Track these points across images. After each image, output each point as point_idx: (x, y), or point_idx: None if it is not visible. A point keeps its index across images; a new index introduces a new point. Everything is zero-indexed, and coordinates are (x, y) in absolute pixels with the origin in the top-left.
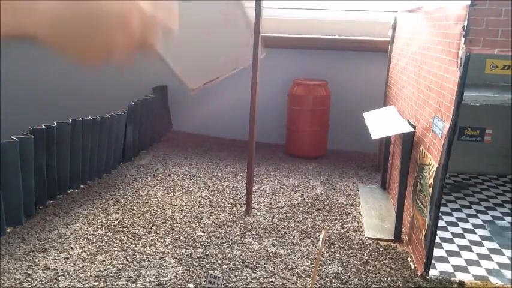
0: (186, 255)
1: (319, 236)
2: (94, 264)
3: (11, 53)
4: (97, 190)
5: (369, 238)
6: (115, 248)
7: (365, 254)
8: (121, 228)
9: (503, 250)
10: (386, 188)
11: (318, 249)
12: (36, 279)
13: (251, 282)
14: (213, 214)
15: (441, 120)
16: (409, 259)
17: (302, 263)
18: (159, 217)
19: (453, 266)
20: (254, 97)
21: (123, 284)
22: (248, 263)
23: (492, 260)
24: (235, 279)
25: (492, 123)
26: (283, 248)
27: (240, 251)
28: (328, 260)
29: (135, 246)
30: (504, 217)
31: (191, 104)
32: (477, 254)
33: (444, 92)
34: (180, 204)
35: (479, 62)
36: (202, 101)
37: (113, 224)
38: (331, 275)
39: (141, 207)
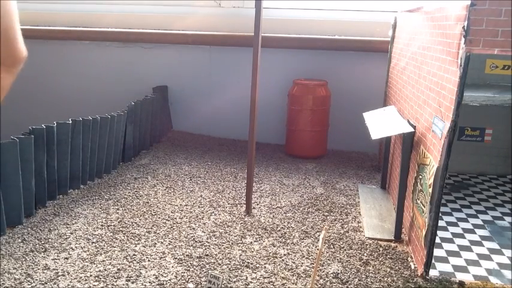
0: (186, 255)
1: (319, 236)
2: (94, 264)
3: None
4: (97, 190)
5: (369, 238)
6: (115, 248)
7: (365, 254)
8: (121, 228)
9: (503, 250)
10: (386, 188)
11: (318, 249)
12: (36, 279)
13: (251, 282)
14: (213, 214)
15: (441, 120)
16: (409, 259)
17: (302, 263)
18: (159, 217)
19: (453, 266)
20: (254, 97)
21: (123, 284)
22: (248, 263)
23: (492, 260)
24: (235, 279)
25: (492, 123)
26: (283, 248)
27: (240, 251)
28: (328, 260)
29: (135, 246)
30: (504, 217)
31: (191, 104)
32: (477, 254)
33: (444, 92)
34: (180, 204)
35: (479, 62)
36: (202, 101)
37: (113, 224)
38: (331, 275)
39: (141, 207)
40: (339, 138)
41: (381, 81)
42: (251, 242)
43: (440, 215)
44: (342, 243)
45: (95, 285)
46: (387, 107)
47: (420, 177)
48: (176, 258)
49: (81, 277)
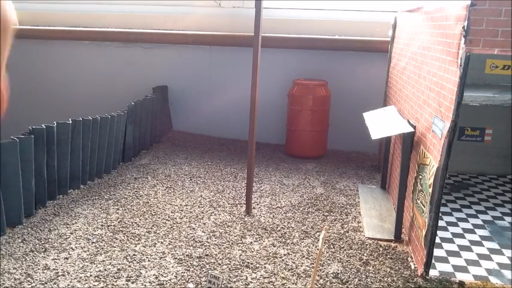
0: (186, 255)
1: (319, 236)
2: (94, 264)
3: (10, 53)
4: (97, 190)
5: (369, 238)
6: (115, 248)
7: (365, 254)
8: (121, 228)
9: (503, 250)
10: (386, 188)
11: (318, 249)
12: (36, 279)
13: (251, 282)
14: (213, 214)
15: (441, 120)
16: (409, 259)
17: (302, 263)
18: (159, 217)
19: (453, 266)
20: (254, 97)
21: (123, 284)
22: (248, 263)
23: (492, 260)
24: (235, 279)
25: (492, 123)
26: (283, 248)
27: (240, 251)
28: (328, 260)
29: (135, 246)
30: (504, 217)
31: (191, 104)
32: (477, 254)
33: (444, 92)
34: (180, 204)
35: (479, 62)
36: (202, 101)
37: (113, 224)
38: (331, 275)
39: (141, 207)
40: (339, 138)
41: (381, 81)
42: (251, 242)
43: (440, 215)
44: (342, 243)
45: (95, 285)
46: (387, 107)
47: (420, 177)
48: (176, 258)
49: (81, 277)
